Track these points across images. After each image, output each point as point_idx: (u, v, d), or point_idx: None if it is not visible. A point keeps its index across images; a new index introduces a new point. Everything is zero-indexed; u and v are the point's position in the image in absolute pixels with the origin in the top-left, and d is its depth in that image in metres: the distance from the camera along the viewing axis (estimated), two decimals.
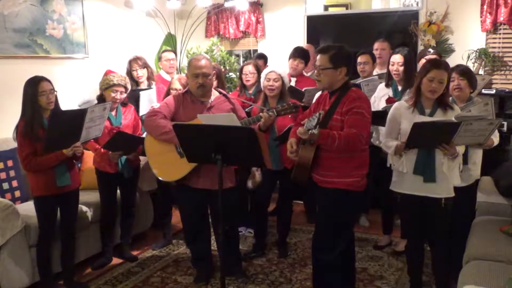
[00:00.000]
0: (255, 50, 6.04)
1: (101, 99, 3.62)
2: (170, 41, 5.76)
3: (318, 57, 2.80)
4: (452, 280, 2.97)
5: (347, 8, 6.34)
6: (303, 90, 4.02)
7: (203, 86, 3.21)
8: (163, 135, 3.15)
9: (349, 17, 5.94)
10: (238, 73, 4.29)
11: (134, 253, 3.96)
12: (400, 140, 2.96)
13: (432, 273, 3.25)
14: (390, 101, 3.64)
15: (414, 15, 5.26)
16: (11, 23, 4.15)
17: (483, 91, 4.54)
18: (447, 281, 3.04)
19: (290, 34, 5.85)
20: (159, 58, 4.78)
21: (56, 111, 3.14)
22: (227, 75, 5.34)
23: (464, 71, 3.15)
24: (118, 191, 3.80)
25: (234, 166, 3.33)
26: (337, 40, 5.52)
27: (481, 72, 4.92)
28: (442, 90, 2.83)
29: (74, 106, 4.41)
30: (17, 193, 3.65)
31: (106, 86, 3.55)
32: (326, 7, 6.29)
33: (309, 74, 4.76)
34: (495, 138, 3.12)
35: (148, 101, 4.04)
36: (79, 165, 3.87)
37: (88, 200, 3.72)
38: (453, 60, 4.67)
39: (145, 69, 4.29)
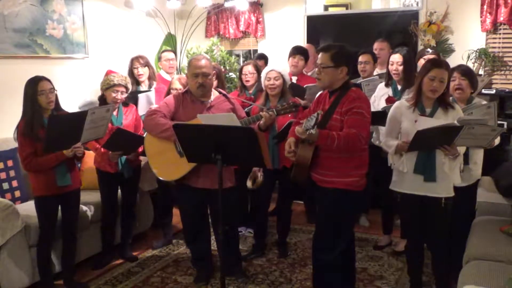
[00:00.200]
0: (255, 50, 6.04)
1: (102, 99, 3.63)
2: (170, 41, 5.76)
3: (320, 55, 2.80)
4: (452, 280, 2.97)
5: (347, 8, 6.34)
6: (304, 86, 4.03)
7: (203, 86, 3.22)
8: (164, 133, 3.15)
9: (349, 17, 5.94)
10: (238, 73, 4.29)
11: (134, 253, 3.96)
12: (400, 139, 2.96)
13: (432, 273, 3.25)
14: (389, 100, 3.64)
15: (414, 15, 5.26)
16: (11, 23, 4.15)
17: (483, 91, 4.54)
18: (447, 281, 3.04)
19: (290, 34, 5.85)
20: (159, 58, 4.78)
21: (55, 113, 3.14)
22: (227, 75, 5.34)
23: (465, 71, 3.15)
24: (119, 191, 3.80)
25: (234, 166, 3.33)
26: (337, 40, 5.52)
27: (481, 72, 4.92)
28: (443, 89, 2.83)
29: (74, 106, 4.42)
30: (17, 193, 3.65)
31: (107, 86, 3.55)
32: (326, 7, 6.29)
33: (309, 73, 4.76)
34: (496, 140, 3.11)
35: (147, 102, 4.04)
36: (79, 165, 3.87)
37: (88, 200, 3.72)
38: (453, 60, 4.68)
39: (146, 68, 4.29)
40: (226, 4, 5.82)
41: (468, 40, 5.01)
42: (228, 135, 2.61)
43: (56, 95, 3.17)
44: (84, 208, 3.62)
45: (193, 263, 3.58)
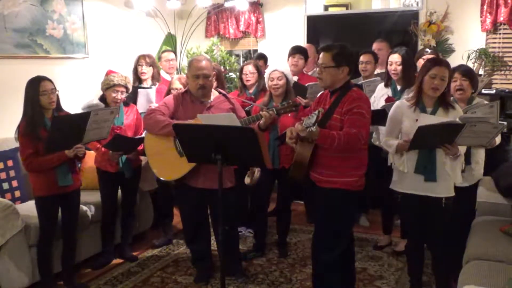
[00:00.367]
0: (255, 50, 6.04)
1: (102, 99, 3.63)
2: (170, 41, 5.76)
3: (321, 55, 2.80)
4: (452, 280, 2.98)
5: (347, 8, 6.35)
6: (306, 85, 4.03)
7: (204, 88, 3.22)
8: (164, 129, 3.14)
9: (349, 17, 5.94)
10: (238, 73, 4.29)
11: (134, 253, 3.96)
12: (401, 139, 2.96)
13: (432, 273, 3.25)
14: (389, 100, 3.64)
15: (414, 15, 5.26)
16: (11, 23, 4.15)
17: (483, 91, 4.55)
18: (447, 281, 3.04)
19: (290, 34, 5.85)
20: (159, 58, 4.78)
21: (56, 114, 3.14)
22: (227, 75, 5.34)
23: (466, 72, 3.15)
24: (119, 191, 3.80)
25: (234, 166, 3.33)
26: (337, 40, 5.53)
27: (481, 72, 4.92)
28: (444, 87, 2.83)
29: (74, 106, 4.40)
30: (17, 193, 3.65)
31: (107, 86, 3.55)
32: (326, 7, 6.30)
33: (309, 73, 4.76)
34: (497, 138, 3.11)
35: (146, 100, 4.04)
36: (80, 165, 3.87)
37: (88, 200, 3.72)
38: (453, 60, 4.67)
39: (151, 67, 4.29)
40: (226, 4, 5.82)
41: (468, 40, 5.01)
42: (228, 135, 2.61)
43: (58, 96, 3.17)
44: (84, 208, 3.62)
45: (193, 263, 3.58)
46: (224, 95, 3.42)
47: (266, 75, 3.70)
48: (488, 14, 4.87)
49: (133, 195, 3.87)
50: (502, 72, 4.99)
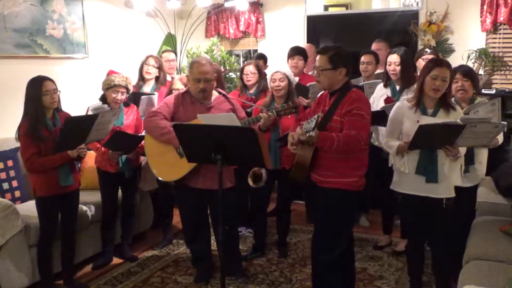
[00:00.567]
0: (255, 50, 6.04)
1: (103, 99, 3.63)
2: (170, 41, 5.77)
3: (318, 57, 2.80)
4: (452, 280, 2.98)
5: (347, 8, 6.34)
6: (307, 85, 4.02)
7: (204, 91, 3.22)
8: (164, 136, 3.15)
9: (349, 17, 5.94)
10: (238, 73, 4.28)
11: (134, 253, 3.96)
12: (402, 140, 2.95)
13: (432, 273, 3.25)
14: (388, 100, 3.64)
15: (414, 15, 5.26)
16: (11, 23, 4.16)
17: (483, 91, 4.55)
18: (447, 281, 3.04)
19: (290, 34, 5.85)
20: None
21: (69, 116, 3.17)
22: (227, 75, 5.34)
23: (468, 72, 3.15)
24: (119, 191, 3.80)
25: (234, 166, 3.33)
26: (337, 40, 5.54)
27: (481, 72, 4.92)
28: (445, 88, 2.82)
29: (74, 106, 4.41)
30: (17, 193, 3.65)
31: (107, 86, 3.55)
32: (326, 7, 6.30)
33: (310, 73, 4.76)
34: (500, 137, 3.11)
35: (148, 106, 4.02)
36: (79, 165, 3.87)
37: (88, 200, 3.72)
38: (453, 60, 4.66)
39: (157, 70, 4.30)
40: (226, 4, 5.82)
41: (468, 40, 5.01)
42: (228, 135, 2.60)
43: (59, 95, 3.17)
44: (84, 208, 3.62)
45: (193, 263, 3.58)
46: (224, 95, 3.42)
47: (268, 76, 3.70)
48: (488, 14, 4.87)
49: (133, 195, 3.87)
50: (502, 72, 4.99)
